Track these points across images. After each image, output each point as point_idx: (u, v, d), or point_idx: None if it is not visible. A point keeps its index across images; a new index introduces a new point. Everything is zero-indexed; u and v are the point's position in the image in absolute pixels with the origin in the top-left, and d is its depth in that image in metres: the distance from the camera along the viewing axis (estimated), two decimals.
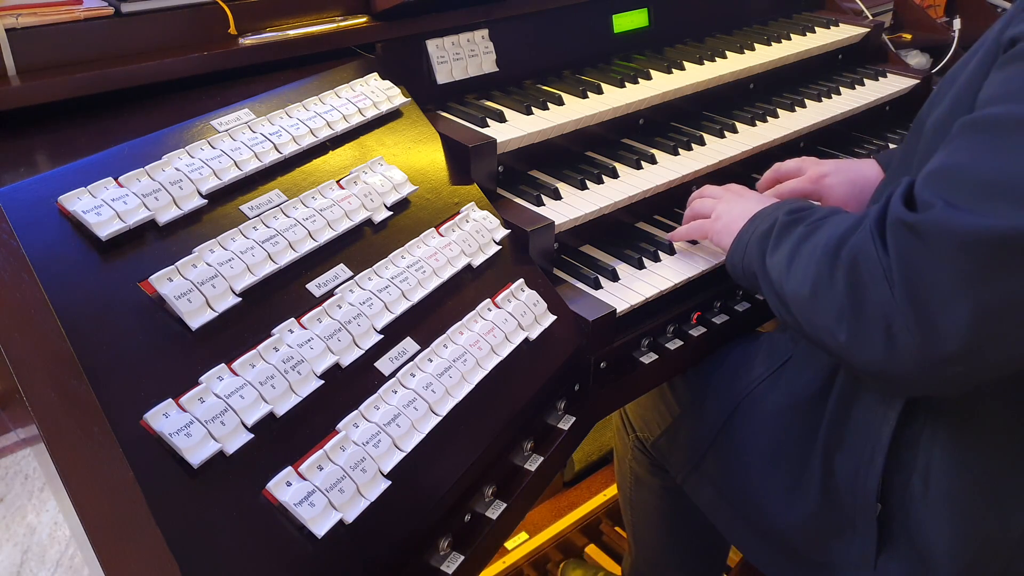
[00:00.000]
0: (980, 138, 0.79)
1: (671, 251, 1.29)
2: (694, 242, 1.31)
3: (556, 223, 1.20)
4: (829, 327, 0.89)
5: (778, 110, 1.61)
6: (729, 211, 1.18)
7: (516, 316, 1.03)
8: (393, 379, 0.89)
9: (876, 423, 1.05)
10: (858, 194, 1.25)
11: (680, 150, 1.44)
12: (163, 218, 0.86)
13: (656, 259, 1.27)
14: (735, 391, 1.26)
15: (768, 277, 1.01)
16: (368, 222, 1.02)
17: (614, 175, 1.35)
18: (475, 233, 1.10)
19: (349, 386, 0.86)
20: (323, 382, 0.84)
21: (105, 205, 0.82)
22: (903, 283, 0.81)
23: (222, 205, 0.93)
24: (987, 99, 0.82)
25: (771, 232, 1.02)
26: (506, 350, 1.00)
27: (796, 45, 1.76)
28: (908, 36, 2.17)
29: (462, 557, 0.89)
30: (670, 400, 1.38)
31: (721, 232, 1.17)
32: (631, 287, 1.20)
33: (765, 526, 1.21)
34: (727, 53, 1.67)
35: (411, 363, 0.91)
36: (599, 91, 1.46)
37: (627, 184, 1.33)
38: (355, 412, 0.84)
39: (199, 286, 0.82)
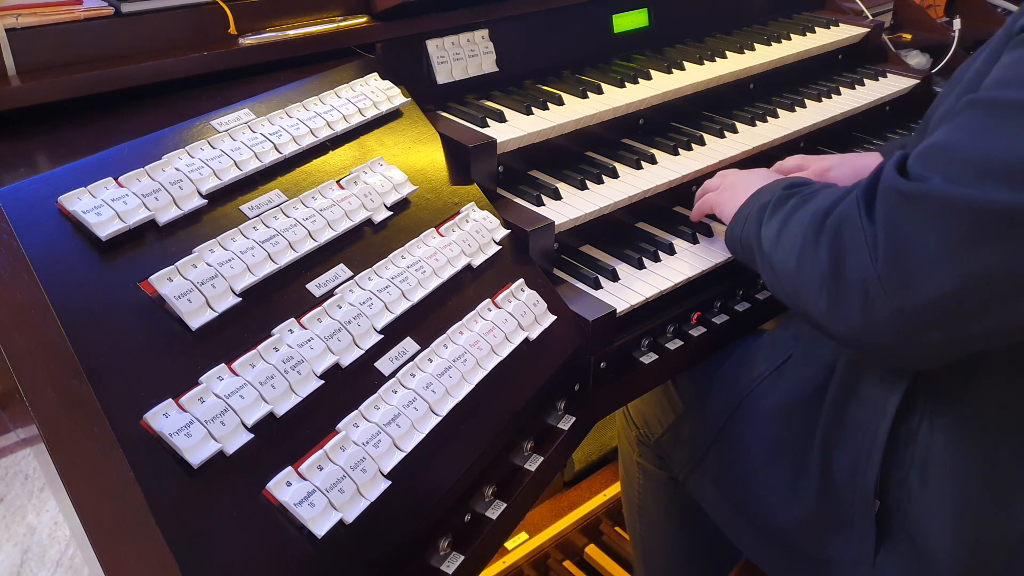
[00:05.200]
0: (981, 118, 0.80)
1: (671, 251, 1.29)
2: (713, 218, 1.33)
3: (556, 223, 1.20)
4: (812, 295, 0.92)
5: (778, 110, 1.61)
6: (735, 184, 1.22)
7: (516, 316, 1.03)
8: (393, 379, 0.89)
9: (873, 419, 1.06)
10: None
11: (680, 150, 1.44)
12: (163, 218, 0.86)
13: (656, 259, 1.27)
14: (737, 389, 1.26)
15: (761, 247, 1.04)
16: (368, 222, 1.02)
17: (614, 175, 1.35)
18: (475, 233, 1.10)
19: (349, 386, 0.86)
20: (323, 382, 0.84)
21: (105, 205, 0.82)
22: (887, 249, 0.83)
23: (222, 205, 0.92)
24: (993, 82, 0.83)
25: (768, 204, 1.06)
26: (506, 350, 1.00)
27: (796, 45, 1.76)
28: (908, 36, 2.17)
29: (462, 557, 0.88)
30: (673, 397, 1.38)
31: (725, 204, 1.20)
32: (631, 287, 1.20)
33: (765, 523, 1.22)
34: (727, 53, 1.67)
35: (411, 363, 0.91)
36: (599, 91, 1.46)
37: (627, 184, 1.33)
38: (355, 412, 0.84)
39: (199, 286, 0.82)
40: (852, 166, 1.29)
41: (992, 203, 0.76)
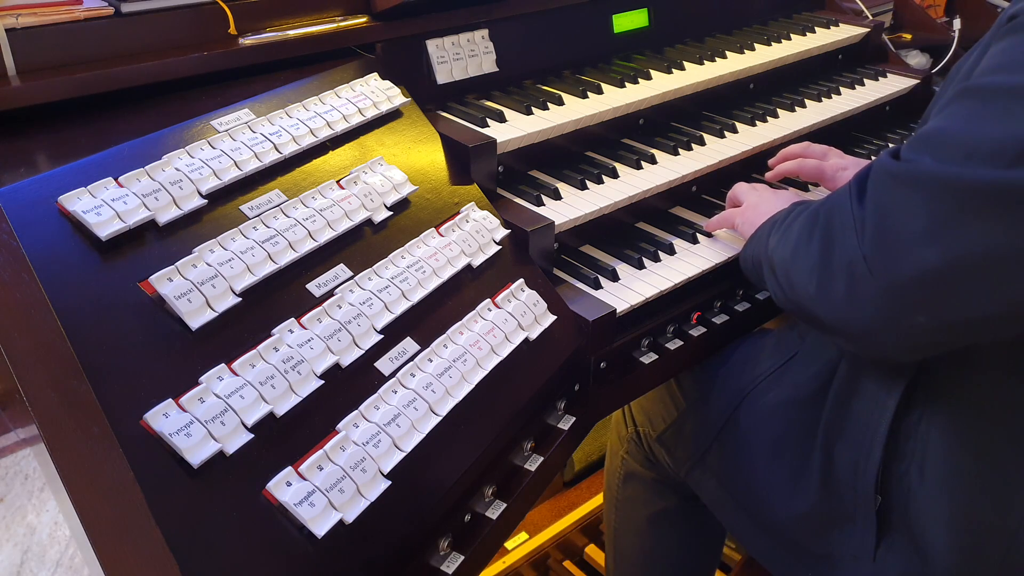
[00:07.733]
0: (971, 104, 0.81)
1: (671, 251, 1.29)
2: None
3: (556, 223, 1.20)
4: (803, 282, 0.94)
5: (778, 110, 1.61)
6: (757, 205, 1.23)
7: (516, 316, 1.03)
8: (393, 379, 0.89)
9: (874, 414, 1.06)
10: None
11: (680, 150, 1.44)
12: (163, 218, 0.86)
13: (656, 259, 1.27)
14: (741, 385, 1.27)
15: (767, 254, 1.06)
16: (368, 222, 1.02)
17: (614, 175, 1.35)
18: (475, 233, 1.10)
19: (349, 386, 0.86)
20: (323, 382, 0.84)
21: (105, 205, 0.82)
22: (873, 229, 0.84)
23: (222, 205, 0.92)
24: (982, 69, 0.84)
25: (777, 220, 1.08)
26: (506, 350, 1.00)
27: (796, 45, 1.76)
28: (908, 36, 2.17)
29: (462, 557, 0.88)
30: (676, 394, 1.38)
31: (744, 224, 1.22)
32: (631, 287, 1.20)
33: (766, 518, 1.22)
34: (727, 53, 1.67)
35: (411, 363, 0.91)
36: (599, 91, 1.46)
37: (627, 184, 1.33)
38: (355, 412, 0.84)
39: (199, 286, 0.82)
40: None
41: (979, 181, 0.77)
